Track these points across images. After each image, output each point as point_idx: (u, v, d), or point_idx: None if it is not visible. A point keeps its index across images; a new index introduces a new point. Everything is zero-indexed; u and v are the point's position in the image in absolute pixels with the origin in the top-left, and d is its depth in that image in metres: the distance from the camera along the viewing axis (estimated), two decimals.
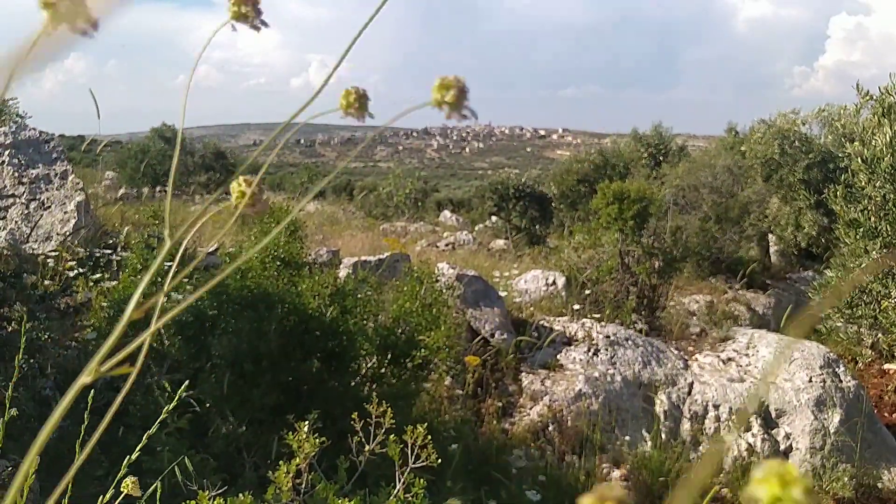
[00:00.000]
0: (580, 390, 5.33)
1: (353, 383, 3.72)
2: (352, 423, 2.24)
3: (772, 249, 11.61)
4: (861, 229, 4.85)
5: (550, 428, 5.09)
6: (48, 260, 4.37)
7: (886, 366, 7.76)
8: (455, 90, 0.53)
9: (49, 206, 5.00)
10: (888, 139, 4.56)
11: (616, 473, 4.95)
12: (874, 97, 4.96)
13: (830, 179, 6.96)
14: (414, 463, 2.11)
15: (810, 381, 5.77)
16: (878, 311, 5.07)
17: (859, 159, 4.81)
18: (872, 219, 4.73)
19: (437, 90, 0.53)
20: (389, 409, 2.44)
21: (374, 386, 3.83)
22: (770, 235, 11.52)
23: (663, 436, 5.33)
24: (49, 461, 2.86)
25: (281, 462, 1.98)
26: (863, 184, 4.89)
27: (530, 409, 5.22)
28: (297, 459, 1.96)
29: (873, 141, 4.71)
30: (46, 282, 4.17)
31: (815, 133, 11.24)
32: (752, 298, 8.99)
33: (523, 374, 5.51)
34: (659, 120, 15.25)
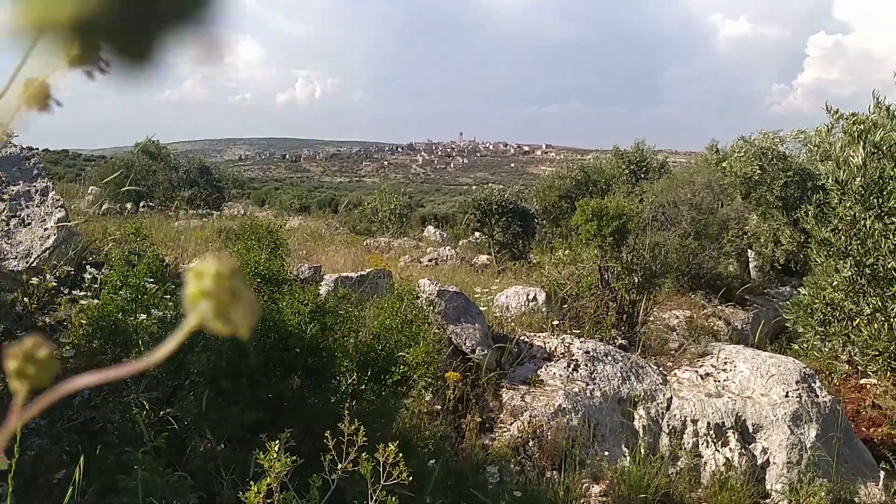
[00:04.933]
0: (560, 405, 5.36)
1: (332, 400, 3.74)
2: (325, 441, 2.26)
3: (751, 265, 11.74)
4: (832, 248, 4.94)
5: (530, 443, 5.12)
6: (28, 277, 4.36)
7: (863, 381, 7.86)
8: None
9: (29, 223, 4.99)
10: (861, 161, 4.65)
11: (595, 488, 4.98)
12: (845, 116, 5.07)
13: (807, 198, 7.08)
14: (386, 481, 2.13)
15: (787, 395, 5.84)
16: (850, 328, 5.15)
17: (831, 179, 4.90)
18: (843, 238, 4.82)
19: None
20: (367, 425, 2.46)
21: (353, 402, 3.85)
22: (749, 251, 11.66)
23: (642, 450, 5.37)
24: (25, 479, 2.86)
25: (251, 482, 2.00)
26: (834, 203, 4.99)
27: (510, 424, 5.25)
28: (268, 479, 1.98)
29: (849, 161, 4.80)
30: (26, 299, 4.17)
31: (794, 152, 11.45)
32: (731, 314, 9.09)
33: (503, 389, 5.54)
34: (642, 137, 15.45)
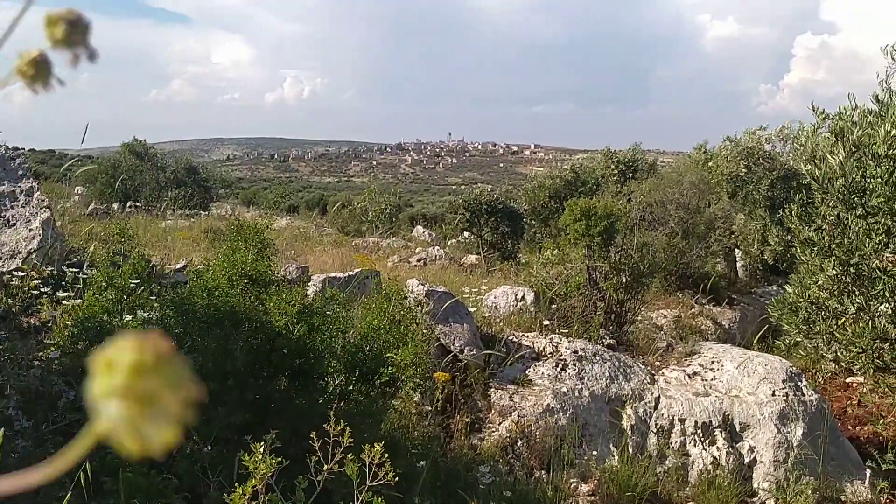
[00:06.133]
0: (548, 405, 5.37)
1: (320, 401, 3.72)
2: (310, 442, 2.25)
3: (738, 264, 11.81)
4: (816, 248, 4.98)
5: (519, 443, 5.12)
6: (12, 278, 4.32)
7: (849, 379, 7.91)
8: (65, 25, 0.47)
9: (14, 224, 4.95)
10: (840, 160, 4.69)
11: (584, 488, 4.99)
12: (831, 116, 5.09)
13: (791, 197, 7.14)
14: (372, 481, 2.13)
15: (773, 394, 5.87)
16: (835, 327, 5.19)
17: (813, 179, 4.94)
18: (826, 237, 4.86)
19: (47, 27, 0.47)
20: (355, 426, 2.45)
21: (341, 403, 3.84)
22: (736, 251, 11.72)
23: (630, 450, 5.38)
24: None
25: (236, 484, 1.99)
26: (817, 203, 5.02)
27: (499, 424, 5.25)
28: (253, 480, 1.97)
29: (828, 160, 4.84)
30: (9, 300, 4.13)
31: (779, 151, 11.51)
32: (718, 313, 9.14)
33: (492, 389, 5.54)
34: (636, 139, 15.57)
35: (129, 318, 3.60)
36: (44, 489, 2.82)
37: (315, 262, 8.12)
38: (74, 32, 0.47)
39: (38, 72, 0.48)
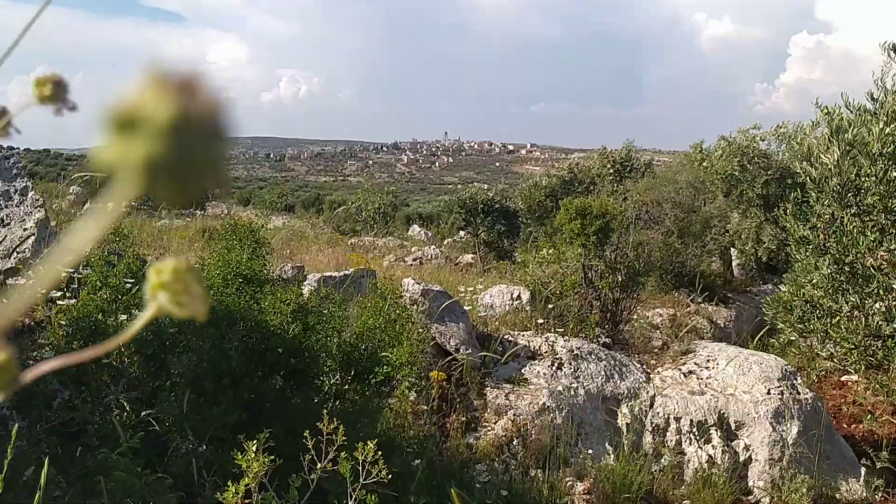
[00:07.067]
0: (544, 404, 5.38)
1: (315, 400, 3.72)
2: (304, 440, 2.25)
3: (733, 263, 11.82)
4: (810, 246, 4.99)
5: (515, 442, 5.12)
6: (6, 278, 4.31)
7: (844, 378, 7.93)
8: (51, 84, 0.59)
9: (8, 224, 4.94)
10: (836, 159, 4.70)
11: (579, 486, 4.99)
12: (829, 113, 5.10)
13: (786, 196, 7.16)
14: (365, 479, 2.13)
15: (768, 393, 5.88)
16: (829, 325, 5.20)
17: (808, 178, 4.95)
18: (821, 236, 4.87)
19: (35, 87, 0.59)
20: (350, 425, 2.45)
21: (336, 403, 3.84)
22: (732, 249, 11.74)
23: (626, 448, 5.39)
24: (6, 481, 2.83)
25: (230, 482, 1.99)
26: (812, 202, 5.03)
27: (495, 423, 5.25)
28: (246, 479, 1.96)
29: (823, 159, 4.85)
30: (4, 300, 4.11)
31: (774, 149, 11.52)
32: (714, 312, 9.15)
33: (488, 388, 5.54)
34: (630, 138, 15.57)
35: (124, 317, 3.59)
36: (39, 487, 2.81)
37: (311, 262, 8.11)
38: (59, 90, 0.59)
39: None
